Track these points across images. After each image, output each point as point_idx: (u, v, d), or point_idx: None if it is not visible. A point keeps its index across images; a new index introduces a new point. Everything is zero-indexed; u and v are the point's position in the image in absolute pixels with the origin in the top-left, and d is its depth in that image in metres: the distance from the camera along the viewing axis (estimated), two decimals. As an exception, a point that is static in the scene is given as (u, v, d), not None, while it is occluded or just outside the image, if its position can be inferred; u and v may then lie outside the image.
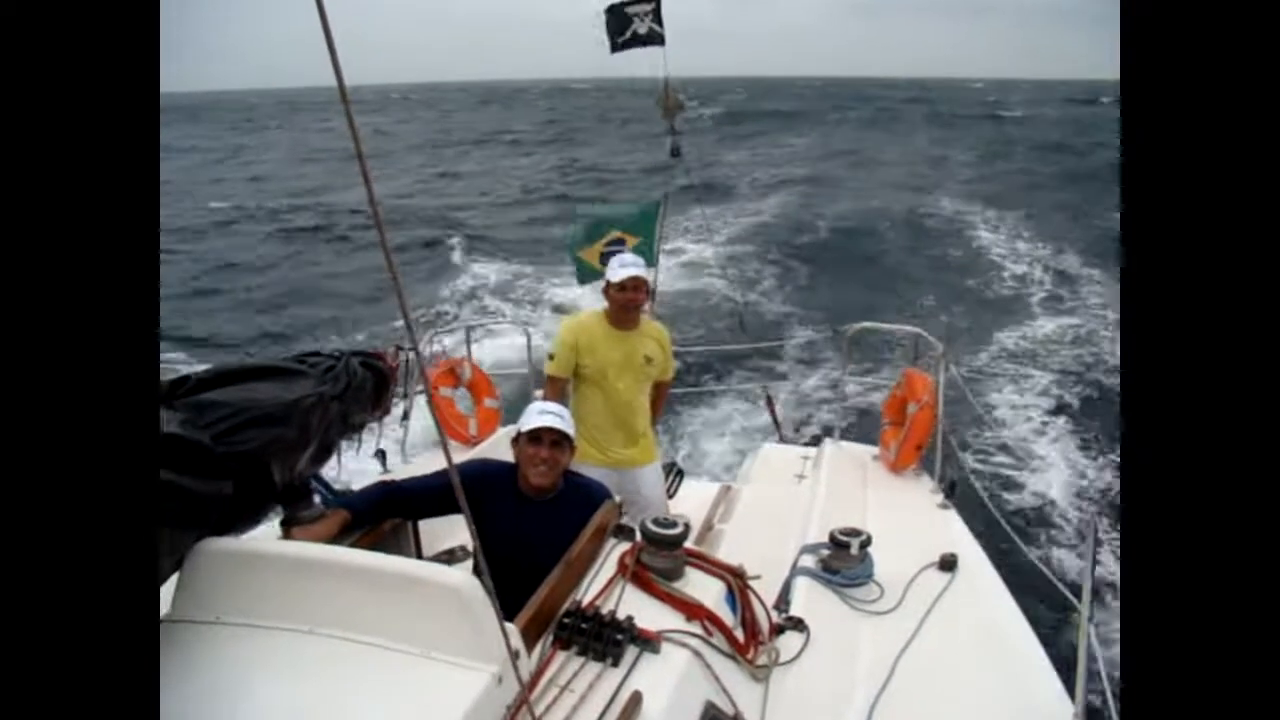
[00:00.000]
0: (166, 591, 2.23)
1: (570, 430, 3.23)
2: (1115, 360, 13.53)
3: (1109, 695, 2.64)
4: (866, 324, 6.18)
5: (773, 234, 22.57)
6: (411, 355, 4.58)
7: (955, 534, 4.36)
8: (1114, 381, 12.34)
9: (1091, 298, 17.25)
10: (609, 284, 4.35)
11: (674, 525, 2.87)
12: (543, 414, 3.22)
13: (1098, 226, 22.44)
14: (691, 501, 5.48)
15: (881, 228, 23.49)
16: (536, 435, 3.17)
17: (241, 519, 2.55)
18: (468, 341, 6.34)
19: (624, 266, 4.31)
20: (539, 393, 6.24)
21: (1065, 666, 3.05)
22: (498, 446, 5.33)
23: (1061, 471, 8.80)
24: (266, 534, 3.02)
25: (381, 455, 5.15)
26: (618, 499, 3.50)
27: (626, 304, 4.32)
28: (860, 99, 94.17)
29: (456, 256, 21.65)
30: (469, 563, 3.30)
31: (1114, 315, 15.97)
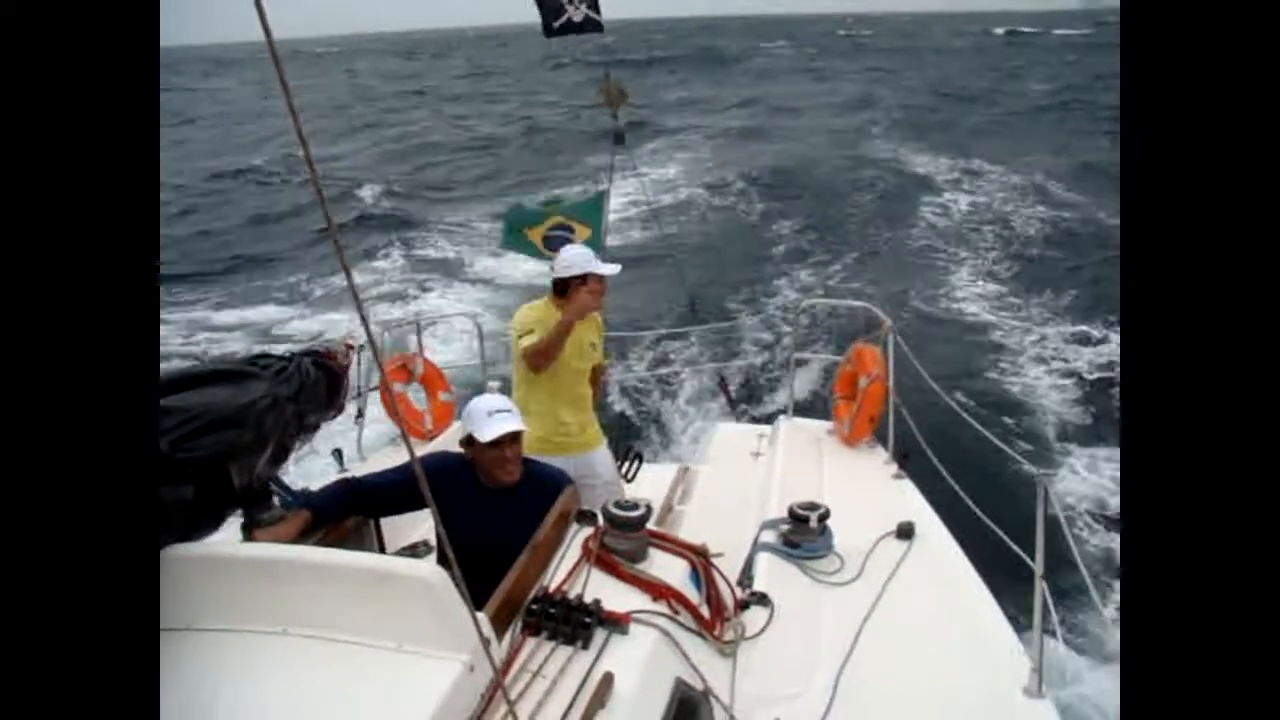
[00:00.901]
0: None
1: (523, 422, 3.23)
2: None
3: (1063, 649, 2.74)
4: (815, 300, 6.26)
5: (708, 189, 23.46)
6: (364, 353, 4.55)
7: (911, 503, 4.45)
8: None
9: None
10: (585, 276, 4.27)
11: (635, 508, 2.90)
12: (494, 415, 3.16)
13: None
14: (650, 485, 5.51)
15: (816, 172, 24.59)
16: (498, 441, 3.13)
17: (202, 524, 2.53)
18: (418, 336, 6.30)
19: (590, 262, 4.31)
20: (493, 384, 6.24)
21: (1022, 625, 3.15)
22: (454, 440, 5.32)
23: (1013, 434, 9.02)
24: (227, 539, 3.01)
25: (338, 454, 5.11)
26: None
27: (599, 295, 4.35)
28: (783, 37, 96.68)
29: (371, 202, 22.38)
30: (433, 557, 3.31)
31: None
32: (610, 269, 4.35)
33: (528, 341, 4.24)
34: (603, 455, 4.73)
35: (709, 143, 31.20)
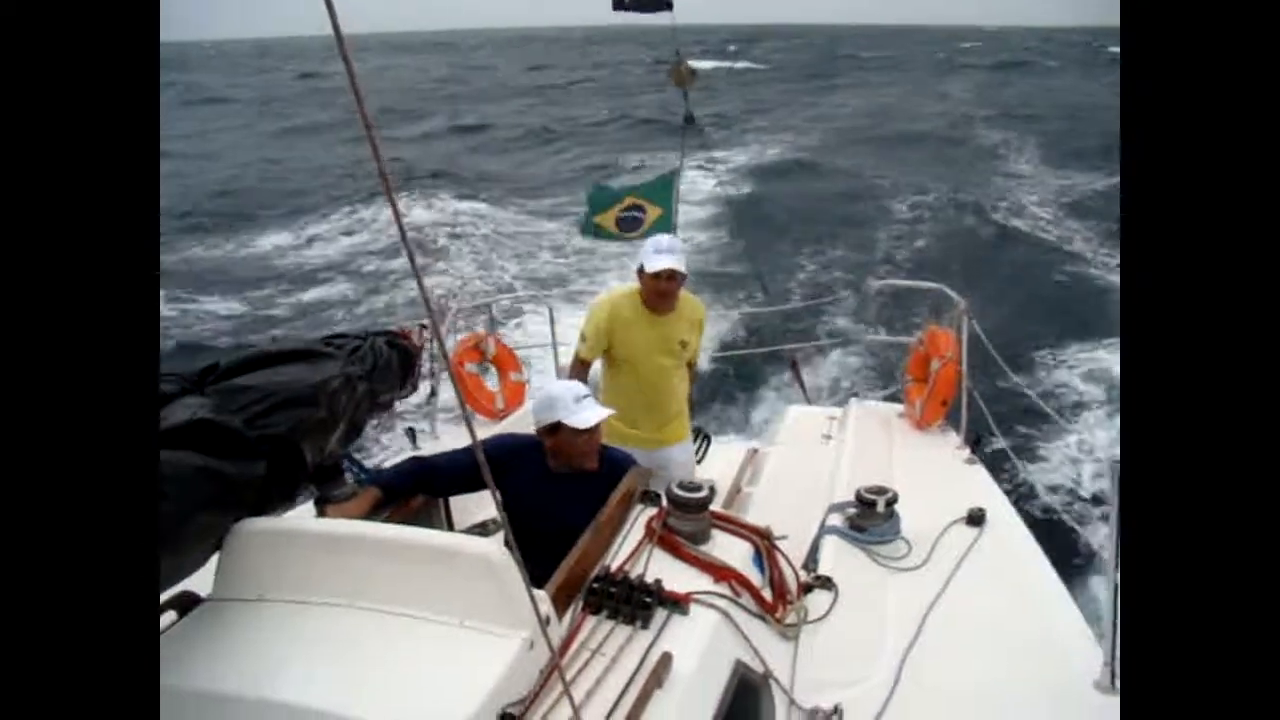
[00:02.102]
0: (208, 572, 2.30)
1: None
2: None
3: None
4: (888, 281, 6.15)
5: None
6: (440, 332, 4.62)
7: (982, 488, 4.37)
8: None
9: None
10: (642, 270, 4.22)
11: (699, 489, 2.91)
12: (583, 402, 3.16)
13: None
14: (719, 466, 5.51)
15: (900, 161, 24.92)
16: (589, 429, 3.13)
17: (276, 499, 2.61)
18: (491, 317, 6.38)
19: (659, 254, 4.13)
20: (564, 364, 6.30)
21: (1095, 619, 3.07)
22: (524, 420, 5.38)
23: (1089, 421, 8.77)
24: (301, 513, 3.09)
25: (411, 433, 5.22)
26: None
27: (662, 293, 4.21)
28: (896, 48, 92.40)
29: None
30: (500, 535, 3.36)
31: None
32: (661, 261, 4.11)
33: (578, 349, 4.33)
34: (680, 450, 4.65)
35: (798, 137, 31.87)
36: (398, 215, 1.38)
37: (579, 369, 4.36)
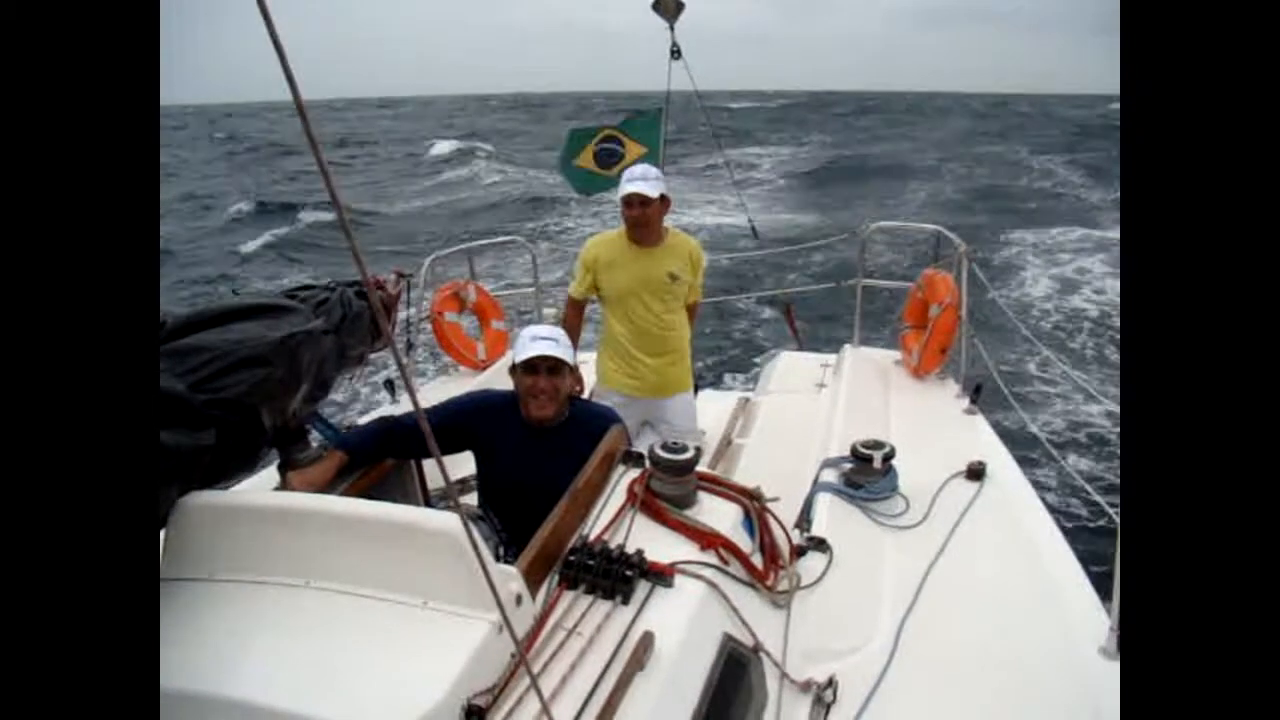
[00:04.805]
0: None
1: (568, 355, 3.03)
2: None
3: None
4: (883, 223, 5.94)
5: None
6: (412, 281, 4.43)
7: (983, 440, 4.22)
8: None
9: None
10: (628, 198, 4.10)
11: (684, 450, 2.73)
12: (535, 340, 2.99)
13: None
14: (709, 415, 5.36)
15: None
16: (532, 365, 2.97)
17: (233, 468, 2.43)
18: (470, 263, 6.16)
19: (629, 181, 4.08)
20: (548, 311, 6.11)
21: (1100, 579, 2.93)
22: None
23: (1096, 371, 8.60)
24: (264, 479, 2.92)
25: (389, 385, 5.06)
26: (629, 424, 3.36)
27: (635, 220, 4.11)
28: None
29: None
30: (473, 497, 3.20)
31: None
32: (628, 187, 4.05)
33: (570, 290, 4.31)
34: (680, 401, 4.46)
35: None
36: (319, 155, 1.18)
37: (571, 310, 4.34)
